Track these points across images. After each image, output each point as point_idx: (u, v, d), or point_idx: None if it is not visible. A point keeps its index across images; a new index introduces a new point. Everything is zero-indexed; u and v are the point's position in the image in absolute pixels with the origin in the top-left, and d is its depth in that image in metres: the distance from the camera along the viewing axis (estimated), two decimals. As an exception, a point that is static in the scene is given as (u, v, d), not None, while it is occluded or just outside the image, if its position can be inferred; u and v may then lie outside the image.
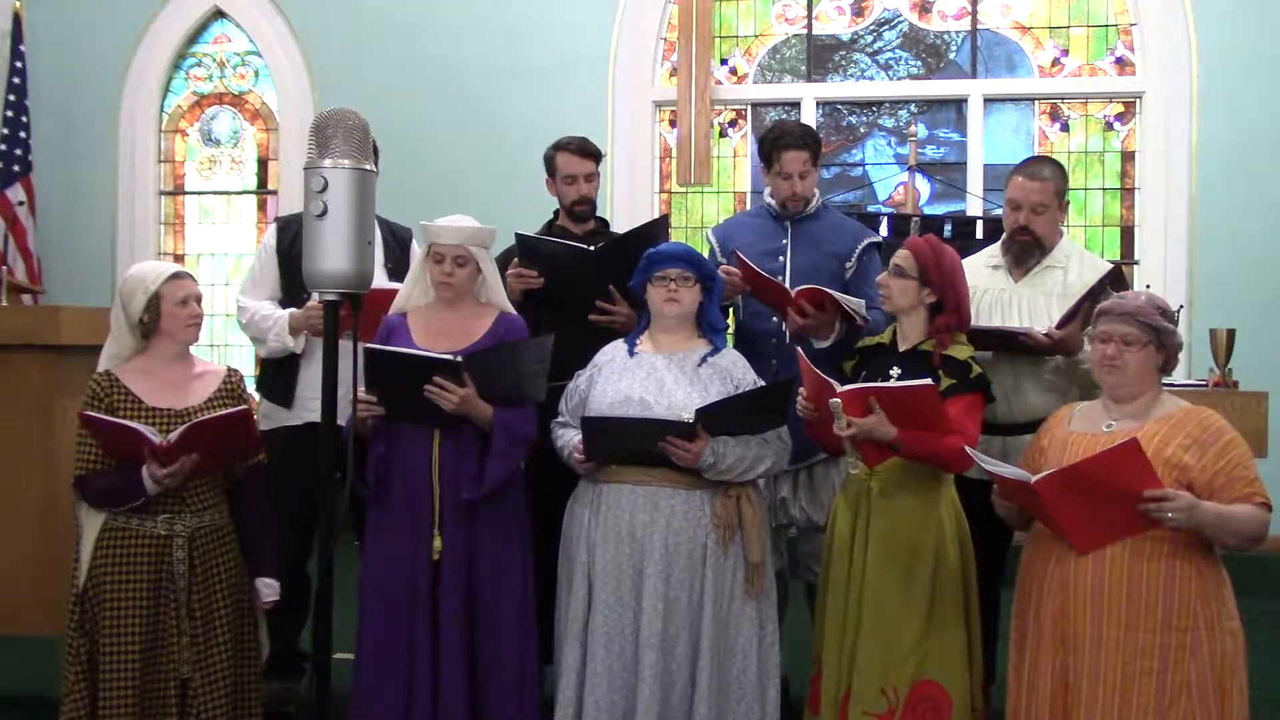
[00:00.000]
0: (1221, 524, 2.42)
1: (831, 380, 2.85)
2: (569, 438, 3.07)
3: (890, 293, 3.04)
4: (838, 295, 3.28)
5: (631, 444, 2.95)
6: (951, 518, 2.96)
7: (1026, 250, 3.42)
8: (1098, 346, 2.64)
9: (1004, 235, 3.50)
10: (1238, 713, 2.50)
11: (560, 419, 3.15)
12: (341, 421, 2.88)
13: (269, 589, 3.07)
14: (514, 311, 3.29)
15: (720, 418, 2.90)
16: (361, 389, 2.94)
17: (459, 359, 2.95)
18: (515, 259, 3.54)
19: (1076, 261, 3.44)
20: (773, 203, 3.66)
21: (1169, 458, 2.49)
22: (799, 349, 3.02)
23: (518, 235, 3.53)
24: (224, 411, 2.91)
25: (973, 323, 3.20)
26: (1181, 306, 4.12)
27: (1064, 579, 2.56)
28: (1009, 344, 3.27)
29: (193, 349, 3.07)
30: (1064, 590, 2.55)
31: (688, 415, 2.88)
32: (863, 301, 3.35)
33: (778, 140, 3.57)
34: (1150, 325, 2.58)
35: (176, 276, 2.96)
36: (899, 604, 2.88)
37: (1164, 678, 2.45)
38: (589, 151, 3.75)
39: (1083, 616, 2.52)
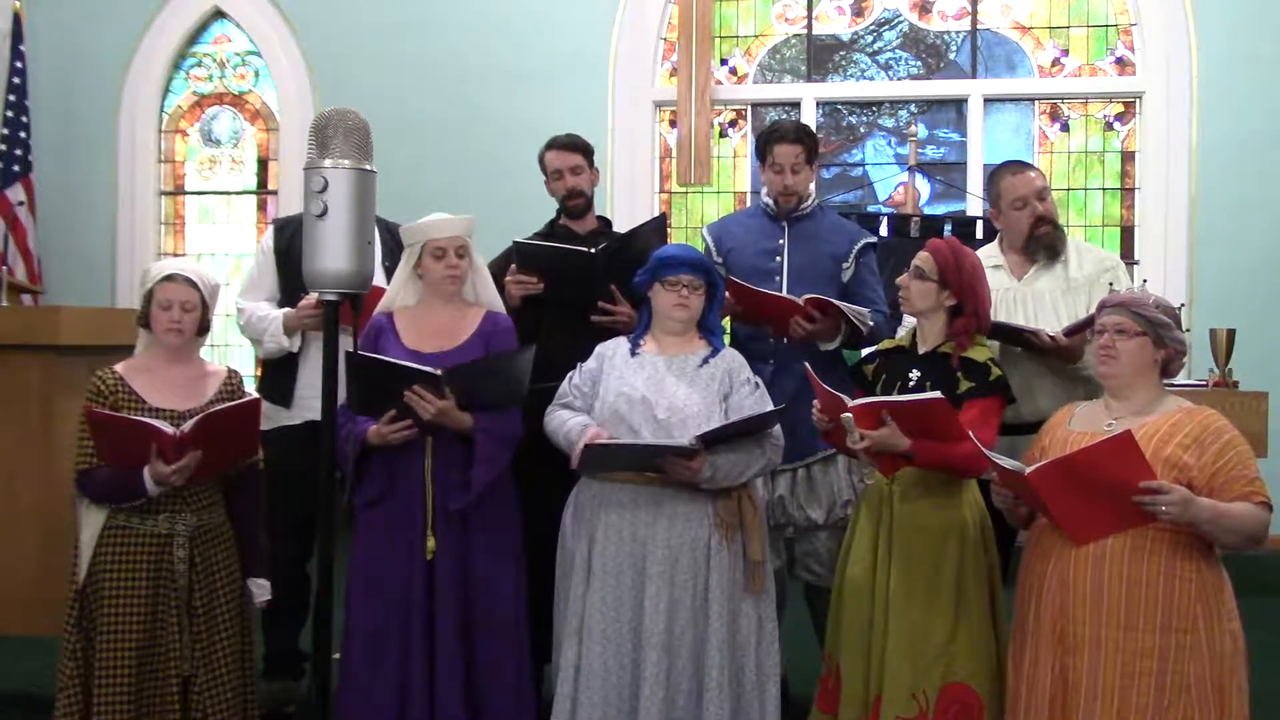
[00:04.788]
0: (1218, 521, 2.41)
1: (841, 395, 2.84)
2: (565, 418, 3.03)
3: (910, 294, 3.02)
4: (843, 305, 3.30)
5: (632, 465, 2.95)
6: (975, 518, 2.93)
7: (1052, 242, 3.40)
8: (1097, 338, 2.65)
9: (1023, 239, 3.47)
10: (1237, 713, 2.49)
11: (562, 399, 3.11)
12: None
13: (260, 589, 3.07)
14: (502, 309, 3.29)
15: (718, 438, 2.91)
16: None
17: (439, 372, 2.90)
18: (513, 264, 3.53)
19: (1075, 254, 3.44)
20: (769, 202, 3.65)
21: (1168, 456, 2.48)
22: (807, 365, 3.01)
23: (516, 243, 3.52)
24: (236, 401, 2.91)
25: None
26: (1182, 305, 4.11)
27: (1063, 578, 2.55)
28: (1015, 339, 3.27)
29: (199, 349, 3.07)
30: (1063, 590, 2.55)
31: (689, 434, 2.88)
32: (866, 310, 3.35)
33: (772, 134, 3.58)
34: (1144, 316, 2.58)
35: (169, 279, 2.94)
36: (926, 606, 2.86)
37: (1163, 678, 2.45)
38: (572, 145, 3.73)
39: (1082, 617, 2.51)
